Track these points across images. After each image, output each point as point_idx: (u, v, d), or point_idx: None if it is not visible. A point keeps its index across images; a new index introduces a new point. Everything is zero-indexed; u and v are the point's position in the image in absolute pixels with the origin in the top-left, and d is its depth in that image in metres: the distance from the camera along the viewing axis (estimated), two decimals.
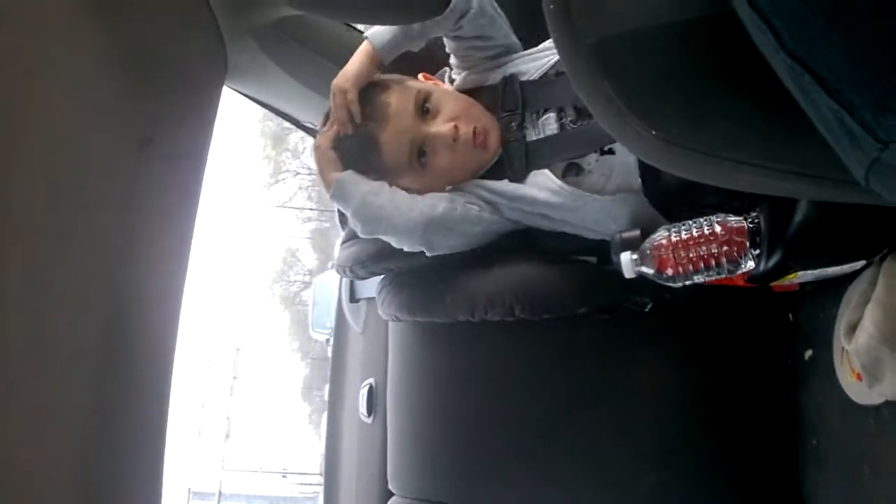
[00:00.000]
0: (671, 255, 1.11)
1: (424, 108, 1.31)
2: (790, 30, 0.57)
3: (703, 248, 1.10)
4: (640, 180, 1.27)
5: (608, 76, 0.70)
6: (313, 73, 1.71)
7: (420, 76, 1.40)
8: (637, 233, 1.19)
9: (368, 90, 1.34)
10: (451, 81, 1.44)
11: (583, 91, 0.74)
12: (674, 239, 1.11)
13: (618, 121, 0.72)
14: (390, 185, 1.33)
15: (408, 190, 1.35)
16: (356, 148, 1.33)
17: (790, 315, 1.42)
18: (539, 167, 1.31)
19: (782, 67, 0.59)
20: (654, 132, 0.68)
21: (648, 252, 1.14)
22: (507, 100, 1.35)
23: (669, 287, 1.19)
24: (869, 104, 0.57)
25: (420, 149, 1.30)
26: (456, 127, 1.28)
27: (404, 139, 1.30)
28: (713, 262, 1.10)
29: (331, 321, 1.59)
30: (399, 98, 1.31)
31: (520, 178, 1.32)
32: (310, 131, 2.01)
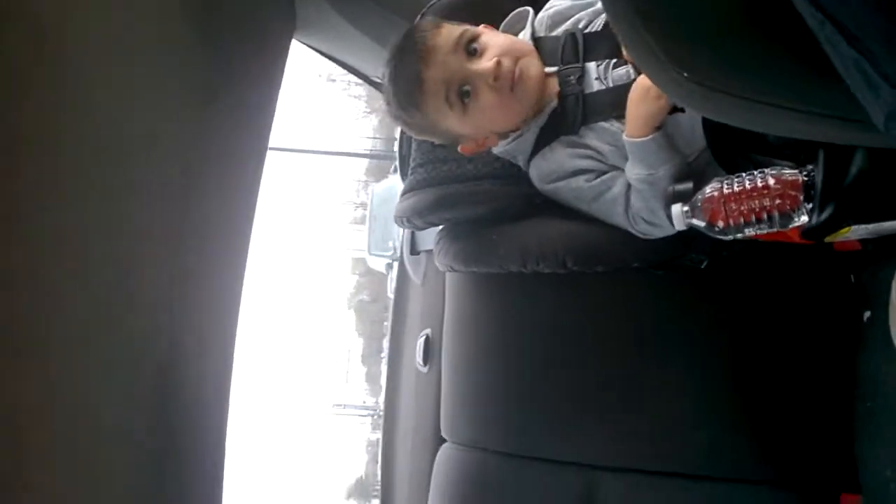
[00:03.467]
0: (722, 208, 1.10)
1: (471, 49, 1.30)
2: None
3: (756, 201, 1.08)
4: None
5: (647, 23, 0.71)
6: (380, 27, 1.74)
7: (481, 27, 1.40)
8: (689, 185, 1.18)
9: (418, 28, 1.34)
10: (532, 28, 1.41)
11: (624, 38, 0.75)
12: (726, 191, 1.10)
13: (657, 66, 0.72)
14: (433, 128, 1.35)
15: (460, 138, 1.37)
16: (405, 83, 1.33)
17: (852, 276, 1.39)
18: (596, 121, 1.30)
19: (806, 15, 0.59)
20: (686, 75, 0.69)
21: (699, 204, 1.13)
22: (566, 52, 1.34)
23: (726, 244, 1.18)
24: (888, 53, 0.56)
25: (462, 89, 1.29)
26: (499, 63, 1.27)
27: (446, 76, 1.28)
28: (765, 216, 1.08)
29: (393, 240, 1.58)
30: (445, 37, 1.30)
31: (572, 132, 1.31)
32: (377, 85, 2.04)
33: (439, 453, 1.68)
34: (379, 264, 8.30)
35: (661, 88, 0.77)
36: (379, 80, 1.98)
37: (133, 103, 1.10)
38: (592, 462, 1.50)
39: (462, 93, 1.29)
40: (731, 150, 1.23)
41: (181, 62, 1.23)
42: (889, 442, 1.25)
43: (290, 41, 1.64)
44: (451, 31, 1.31)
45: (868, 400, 1.32)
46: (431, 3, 1.56)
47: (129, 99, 1.08)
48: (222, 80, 1.34)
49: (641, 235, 1.31)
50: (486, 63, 1.28)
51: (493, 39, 1.32)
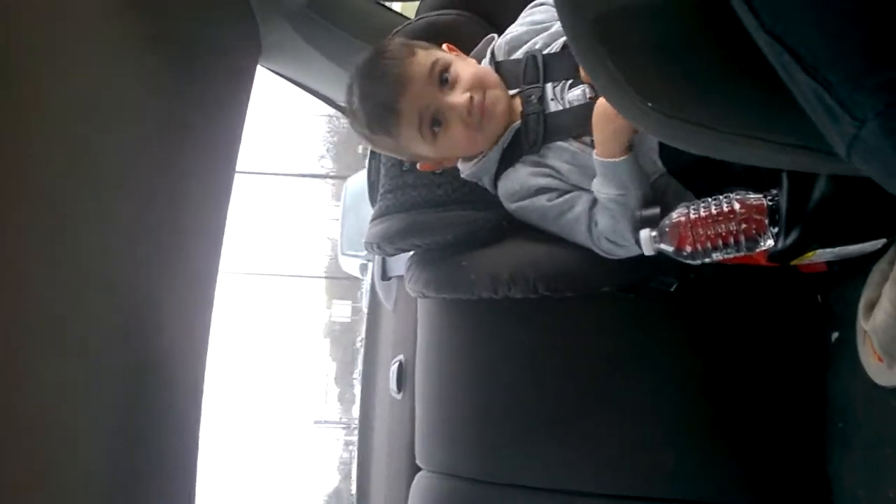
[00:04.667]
0: (690, 233, 1.11)
1: (443, 78, 1.31)
2: (768, 7, 0.58)
3: (722, 225, 1.09)
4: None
5: (609, 49, 0.70)
6: (345, 52, 1.73)
7: (444, 46, 1.40)
8: (657, 210, 1.19)
9: (391, 51, 1.35)
10: (492, 54, 1.42)
11: (585, 64, 0.75)
12: (692, 216, 1.11)
13: (618, 93, 0.72)
14: (403, 152, 1.38)
15: (422, 159, 1.39)
16: (378, 109, 1.34)
17: (818, 296, 1.40)
18: (554, 140, 1.31)
19: (764, 45, 0.59)
20: (650, 104, 0.69)
21: (667, 229, 1.14)
22: (528, 72, 1.35)
23: (694, 267, 1.18)
24: (844, 82, 0.57)
25: (434, 118, 1.31)
26: (471, 98, 1.29)
27: (420, 107, 1.30)
28: (732, 240, 1.09)
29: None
30: (420, 66, 1.31)
31: (534, 150, 1.32)
32: (343, 109, 2.03)
33: (415, 481, 1.66)
34: (352, 266, 7.53)
35: (627, 118, 0.77)
36: (343, 105, 1.99)
37: (103, 135, 1.09)
38: (567, 488, 1.49)
39: (433, 122, 1.31)
40: (690, 173, 1.25)
41: (149, 92, 1.22)
42: (860, 462, 1.26)
43: (255, 67, 1.63)
44: (425, 60, 1.32)
45: (838, 420, 1.33)
46: (396, 29, 1.56)
47: (99, 131, 1.08)
48: (190, 108, 1.33)
49: (604, 254, 1.31)
50: (459, 98, 1.29)
51: (463, 69, 1.33)
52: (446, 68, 1.32)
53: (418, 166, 1.43)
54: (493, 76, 1.36)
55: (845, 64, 0.57)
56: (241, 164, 1.53)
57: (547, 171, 1.33)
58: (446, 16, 1.54)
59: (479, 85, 1.31)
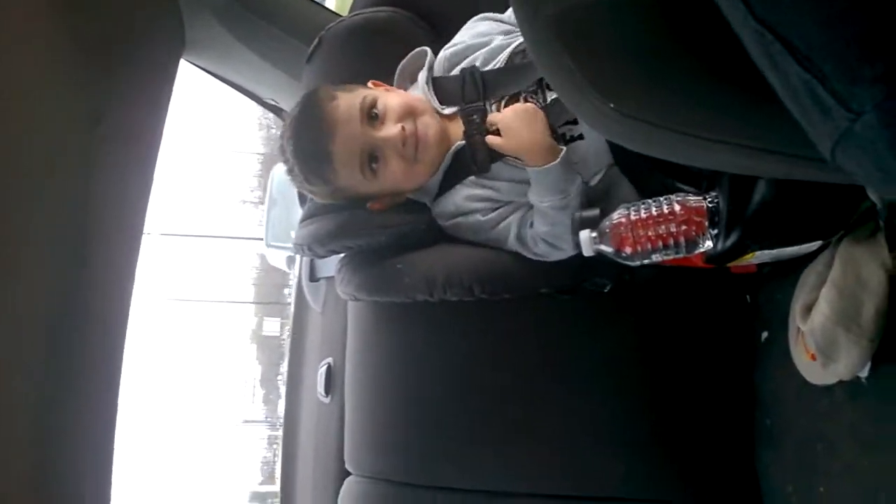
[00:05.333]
0: (630, 234, 1.11)
1: (372, 114, 1.29)
2: None
3: (662, 227, 1.10)
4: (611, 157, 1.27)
5: (567, 47, 0.69)
6: (275, 48, 1.69)
7: (370, 83, 1.37)
8: (596, 212, 1.19)
9: (316, 101, 1.32)
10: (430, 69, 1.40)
11: (542, 63, 0.73)
12: (633, 217, 1.11)
13: (577, 94, 0.70)
14: (342, 193, 1.34)
15: (368, 197, 1.36)
16: (312, 159, 1.31)
17: (748, 296, 1.43)
18: (500, 159, 1.29)
19: (750, 36, 0.58)
20: (612, 105, 0.67)
21: (607, 230, 1.14)
22: (467, 91, 1.33)
23: (629, 268, 1.19)
24: (841, 74, 0.55)
25: (370, 155, 1.28)
26: (404, 128, 1.27)
27: (354, 147, 1.28)
28: (671, 241, 1.10)
29: (294, 229, 1.50)
30: (347, 107, 1.29)
31: (484, 170, 1.30)
32: (272, 108, 1.98)
33: (344, 486, 1.62)
34: (278, 259, 6.95)
35: (584, 120, 0.75)
36: (274, 104, 1.93)
37: (16, 126, 1.02)
38: (502, 489, 1.49)
39: (371, 159, 1.29)
40: (636, 167, 1.25)
41: (65, 85, 1.15)
42: (790, 459, 1.29)
43: (178, 61, 1.56)
44: (352, 100, 1.29)
45: (767, 417, 1.36)
46: (329, 26, 1.52)
47: (11, 122, 1.01)
48: (108, 102, 1.26)
49: (537, 258, 1.31)
50: (391, 130, 1.27)
51: (391, 101, 1.30)
52: (373, 104, 1.29)
53: (368, 206, 1.38)
54: (422, 103, 1.34)
55: (842, 54, 0.56)
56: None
57: (484, 192, 1.32)
58: (382, 13, 1.51)
59: (408, 114, 1.29)
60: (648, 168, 1.19)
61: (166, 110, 1.48)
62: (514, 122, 1.24)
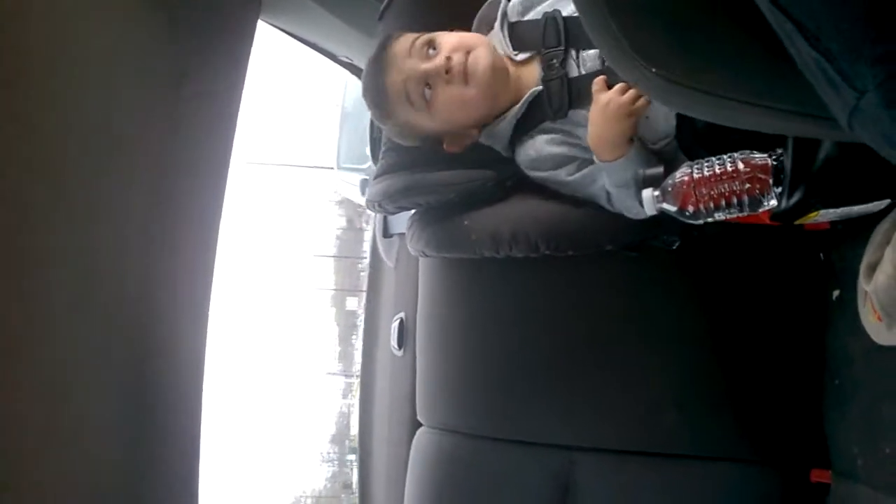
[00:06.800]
0: (693, 192, 1.10)
1: (429, 52, 1.32)
2: None
3: (726, 185, 1.08)
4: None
5: (613, 14, 0.69)
6: (350, 6, 1.71)
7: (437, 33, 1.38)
8: (660, 169, 1.18)
9: (383, 41, 1.37)
10: (504, 15, 1.40)
11: (590, 28, 0.74)
12: (696, 176, 1.10)
13: (623, 59, 0.71)
14: (411, 130, 1.39)
15: (433, 134, 1.38)
16: (373, 95, 1.38)
17: (821, 254, 1.41)
18: (581, 105, 1.29)
19: (768, 13, 0.59)
20: (654, 70, 0.68)
21: (670, 189, 1.13)
22: (548, 36, 1.33)
23: (696, 225, 1.18)
24: (845, 52, 0.56)
25: (423, 85, 1.31)
26: (448, 58, 1.29)
27: (402, 79, 1.32)
28: (735, 200, 1.08)
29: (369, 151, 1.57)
30: (402, 43, 1.34)
31: (560, 116, 1.31)
32: (347, 66, 2.01)
33: (416, 437, 1.68)
34: (351, 185, 6.06)
35: (627, 79, 0.76)
36: (348, 61, 1.97)
37: (101, 92, 1.08)
38: (570, 443, 1.51)
39: (423, 92, 1.32)
40: (699, 138, 1.24)
41: (147, 49, 1.21)
42: (856, 419, 1.27)
43: (256, 22, 1.61)
44: (408, 37, 1.34)
45: (835, 377, 1.35)
46: None
47: (97, 88, 1.07)
48: (190, 64, 1.32)
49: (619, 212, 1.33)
50: (437, 60, 1.30)
51: (445, 39, 1.33)
52: (430, 41, 1.32)
53: (445, 147, 1.41)
54: (478, 38, 1.36)
55: (847, 34, 0.56)
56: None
57: (564, 137, 1.33)
58: None
59: (460, 48, 1.31)
60: (709, 141, 1.17)
61: (246, 69, 1.53)
62: (593, 114, 1.25)
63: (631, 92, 1.19)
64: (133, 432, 1.13)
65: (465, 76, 1.29)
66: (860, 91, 0.57)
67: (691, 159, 1.16)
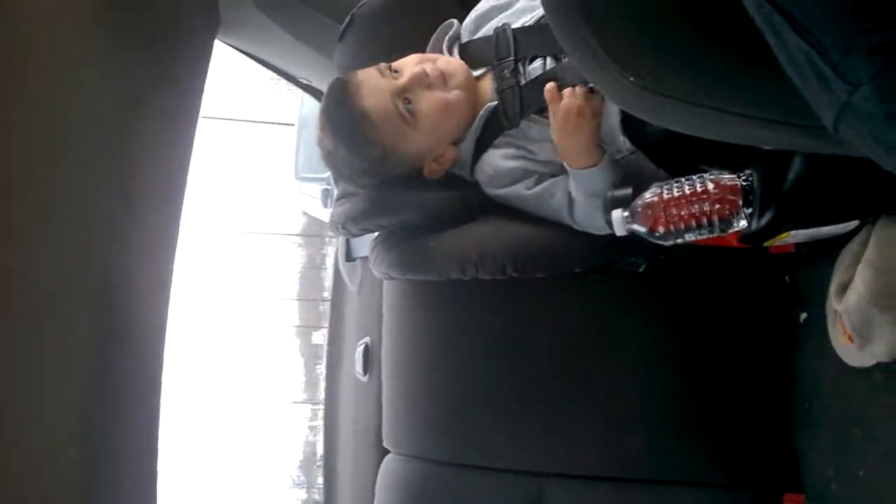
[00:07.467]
0: (662, 213, 1.09)
1: (392, 73, 1.31)
2: None
3: (696, 206, 1.07)
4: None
5: (587, 21, 0.68)
6: (306, 27, 1.69)
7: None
8: (629, 190, 1.17)
9: (336, 81, 1.36)
10: (453, 38, 1.40)
11: (561, 36, 0.72)
12: (665, 196, 1.09)
13: (596, 67, 0.69)
14: (396, 153, 1.33)
15: (419, 155, 1.35)
16: (349, 128, 1.32)
17: (786, 277, 1.40)
18: (530, 113, 1.29)
19: (753, 7, 0.57)
20: (631, 79, 0.66)
21: (639, 210, 1.12)
22: (500, 48, 1.33)
23: (663, 247, 1.17)
24: (837, 44, 0.55)
25: (403, 99, 1.29)
26: (423, 68, 1.29)
27: (383, 96, 1.29)
28: (705, 221, 1.07)
29: None
30: (366, 72, 1.32)
31: (515, 125, 1.30)
32: (305, 87, 1.99)
33: (383, 464, 1.64)
34: (311, 196, 5.50)
35: (600, 89, 0.74)
36: (307, 83, 1.94)
37: (54, 112, 1.04)
38: (537, 469, 1.49)
39: (404, 102, 1.30)
40: (659, 150, 1.23)
41: (103, 69, 1.17)
42: (829, 442, 1.26)
43: (213, 41, 1.58)
44: (368, 68, 1.33)
45: (805, 401, 1.34)
46: (361, 3, 1.51)
47: (50, 108, 1.03)
48: (146, 84, 1.28)
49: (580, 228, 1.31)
50: (412, 70, 1.30)
51: (405, 59, 1.33)
52: (389, 66, 1.32)
53: (425, 173, 1.38)
54: (438, 54, 1.36)
55: (839, 25, 0.55)
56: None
57: (519, 152, 1.31)
58: None
59: (425, 59, 1.32)
60: (667, 149, 1.16)
61: (202, 89, 1.50)
62: (555, 125, 1.24)
63: (580, 90, 1.19)
64: (90, 423, 1.08)
65: (444, 78, 1.29)
66: (853, 84, 0.55)
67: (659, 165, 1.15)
